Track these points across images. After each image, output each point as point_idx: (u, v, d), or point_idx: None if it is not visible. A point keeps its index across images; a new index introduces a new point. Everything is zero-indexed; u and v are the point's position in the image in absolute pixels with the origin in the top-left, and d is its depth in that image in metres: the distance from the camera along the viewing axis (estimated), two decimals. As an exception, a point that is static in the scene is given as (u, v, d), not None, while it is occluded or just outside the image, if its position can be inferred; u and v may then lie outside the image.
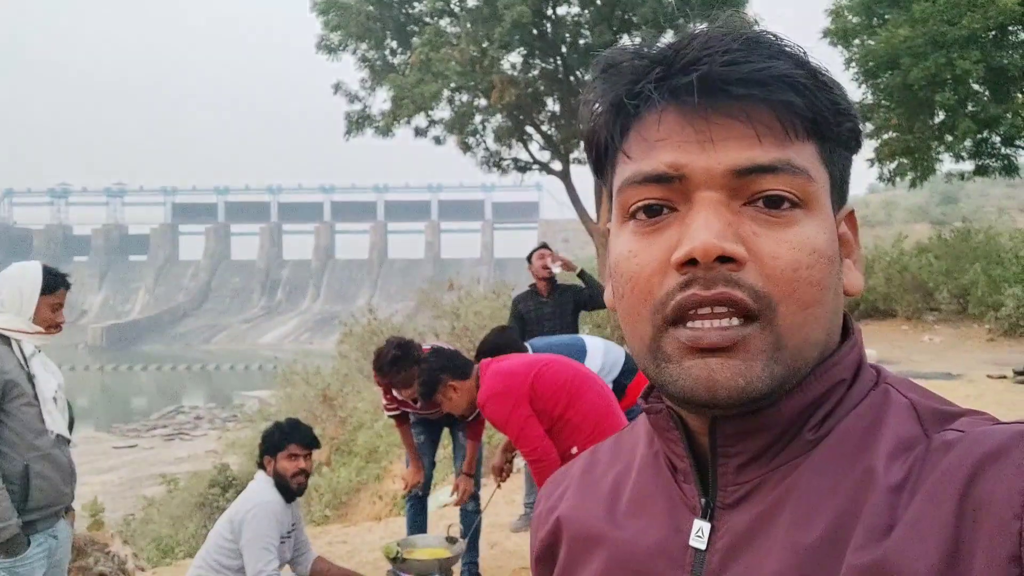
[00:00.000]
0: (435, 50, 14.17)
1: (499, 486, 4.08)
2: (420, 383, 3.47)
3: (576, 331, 5.26)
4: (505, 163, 16.66)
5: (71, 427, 2.98)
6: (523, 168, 16.84)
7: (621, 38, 15.59)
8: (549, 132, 16.47)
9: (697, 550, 0.59)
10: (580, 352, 4.01)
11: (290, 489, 3.42)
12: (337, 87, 16.00)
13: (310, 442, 3.50)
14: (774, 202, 0.56)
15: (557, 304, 5.16)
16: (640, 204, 0.58)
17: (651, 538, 0.63)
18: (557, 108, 16.32)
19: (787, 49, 0.58)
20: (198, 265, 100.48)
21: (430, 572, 3.36)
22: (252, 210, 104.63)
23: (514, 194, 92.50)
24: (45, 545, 2.79)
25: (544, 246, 5.43)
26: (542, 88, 15.91)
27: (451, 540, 3.62)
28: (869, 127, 13.40)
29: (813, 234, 0.57)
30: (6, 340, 2.76)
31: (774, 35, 0.59)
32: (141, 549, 8.20)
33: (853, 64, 12.88)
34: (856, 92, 13.39)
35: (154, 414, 33.11)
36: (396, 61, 15.97)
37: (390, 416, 4.44)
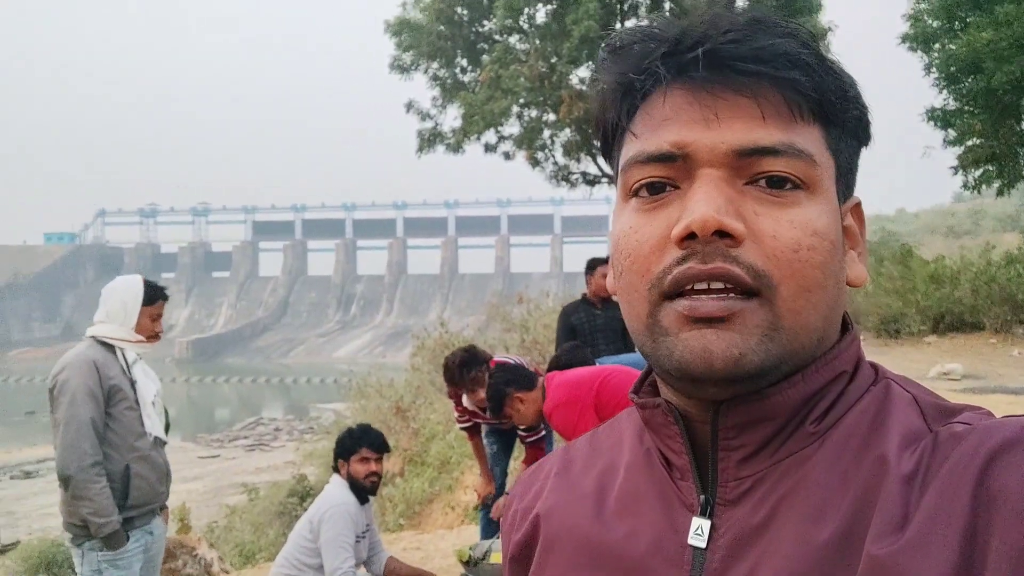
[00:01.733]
0: (504, 67, 14.41)
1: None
2: (488, 399, 3.56)
3: (628, 345, 5.10)
4: (574, 177, 16.74)
5: (167, 430, 3.20)
6: (592, 181, 16.88)
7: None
8: (618, 145, 16.46)
9: (697, 549, 0.58)
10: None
11: (363, 489, 3.57)
12: (409, 106, 16.39)
13: (380, 446, 3.65)
14: (777, 183, 0.56)
15: (610, 318, 5.04)
16: (643, 182, 0.58)
17: (645, 538, 0.61)
18: (626, 121, 16.30)
19: (794, 33, 0.58)
20: (277, 281, 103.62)
21: (501, 576, 3.44)
22: (328, 227, 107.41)
23: (583, 208, 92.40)
24: (142, 540, 3.00)
25: (606, 261, 5.37)
26: (611, 102, 15.94)
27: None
28: (951, 133, 12.95)
29: (815, 216, 0.56)
30: (111, 348, 2.99)
31: (781, 19, 0.58)
32: (225, 554, 8.51)
33: (933, 69, 12.50)
34: (937, 98, 13.00)
35: (236, 425, 34.07)
36: (466, 79, 16.28)
37: (462, 428, 4.52)
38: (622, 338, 5.06)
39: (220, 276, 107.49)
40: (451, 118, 16.40)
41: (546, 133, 16.24)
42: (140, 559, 2.98)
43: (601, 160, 16.85)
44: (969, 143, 12.87)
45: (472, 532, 6.06)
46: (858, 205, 0.64)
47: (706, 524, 0.58)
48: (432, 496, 9.97)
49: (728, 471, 0.58)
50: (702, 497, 0.59)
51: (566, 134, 16.11)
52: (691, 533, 0.58)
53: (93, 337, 3.01)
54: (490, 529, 4.45)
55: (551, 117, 15.76)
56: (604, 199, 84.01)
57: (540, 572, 0.67)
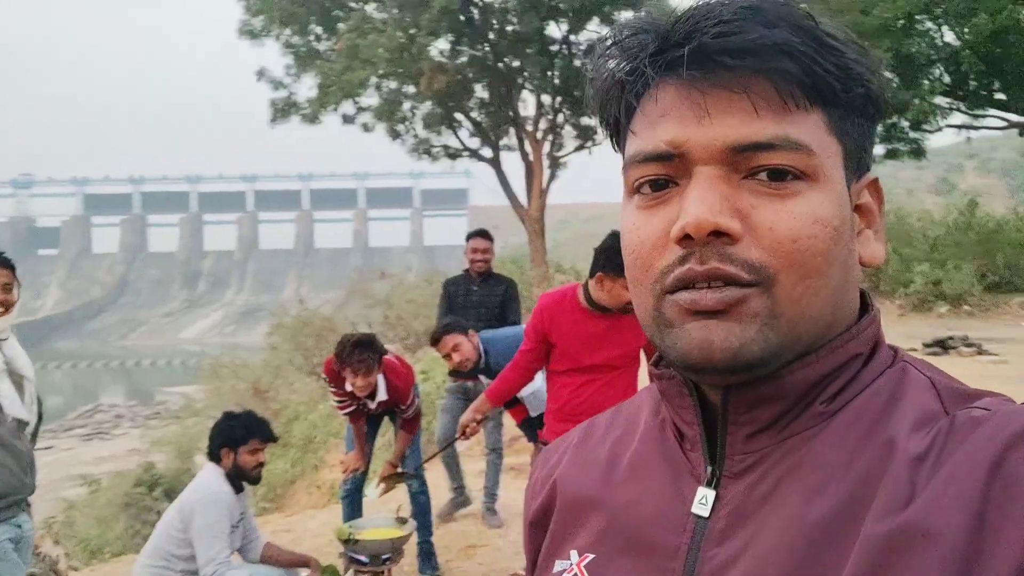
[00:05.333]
0: (362, 36, 14.03)
1: (457, 438, 4.01)
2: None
3: (503, 323, 5.03)
4: (435, 150, 16.64)
5: (40, 420, 3.01)
6: (453, 155, 16.87)
7: (548, 25, 15.72)
8: (478, 119, 16.51)
9: (699, 517, 0.59)
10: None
11: (249, 479, 3.49)
12: (261, 73, 15.68)
13: (269, 436, 3.56)
14: (777, 175, 0.55)
15: (486, 295, 5.07)
16: (643, 180, 0.59)
17: (649, 503, 0.62)
18: (486, 95, 16.36)
19: (787, 16, 0.56)
20: (113, 258, 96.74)
21: (383, 552, 3.40)
22: (170, 200, 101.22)
23: (443, 181, 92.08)
24: (11, 534, 2.74)
25: (481, 234, 5.26)
26: (471, 75, 15.92)
27: (401, 520, 3.67)
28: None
29: (816, 204, 0.55)
30: None
31: (776, 2, 0.57)
32: (70, 550, 7.95)
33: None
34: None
35: (70, 414, 31.80)
36: (322, 47, 15.74)
37: (345, 413, 4.34)
38: (497, 316, 5.04)
39: (47, 254, 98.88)
40: (307, 88, 15.83)
41: (406, 105, 16.01)
42: (7, 557, 2.72)
43: (463, 133, 16.83)
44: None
45: (340, 512, 5.95)
46: (875, 181, 0.63)
47: (711, 494, 0.59)
48: (295, 477, 9.74)
49: (735, 445, 0.59)
50: (709, 468, 0.61)
51: (427, 106, 15.94)
52: (695, 502, 0.60)
53: None
54: (352, 514, 4.33)
55: (411, 89, 15.54)
56: (464, 172, 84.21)
57: (555, 537, 0.70)
